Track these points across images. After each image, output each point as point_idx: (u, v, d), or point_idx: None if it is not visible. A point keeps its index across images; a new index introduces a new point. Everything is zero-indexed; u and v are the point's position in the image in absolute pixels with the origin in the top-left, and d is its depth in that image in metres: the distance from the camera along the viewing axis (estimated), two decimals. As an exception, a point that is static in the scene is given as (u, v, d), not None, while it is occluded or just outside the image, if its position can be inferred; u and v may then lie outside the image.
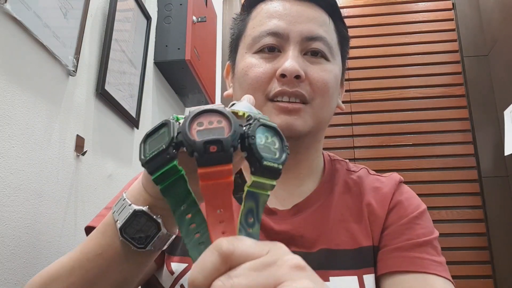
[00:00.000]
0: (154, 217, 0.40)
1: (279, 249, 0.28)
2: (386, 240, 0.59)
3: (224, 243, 0.27)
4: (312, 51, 0.60)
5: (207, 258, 0.26)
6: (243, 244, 0.27)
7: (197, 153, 0.27)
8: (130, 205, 0.40)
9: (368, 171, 0.68)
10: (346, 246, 0.58)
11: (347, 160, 0.71)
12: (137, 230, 0.40)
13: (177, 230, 0.44)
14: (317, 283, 0.26)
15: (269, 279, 0.25)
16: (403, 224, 0.59)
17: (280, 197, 0.63)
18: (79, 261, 0.43)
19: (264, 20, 0.61)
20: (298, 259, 0.27)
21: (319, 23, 0.61)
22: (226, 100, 2.64)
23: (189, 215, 0.30)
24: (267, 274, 0.25)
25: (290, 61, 0.57)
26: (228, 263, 0.26)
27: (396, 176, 0.66)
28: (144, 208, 0.40)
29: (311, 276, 0.27)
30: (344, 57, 0.67)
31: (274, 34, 0.60)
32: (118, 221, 0.40)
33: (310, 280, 0.26)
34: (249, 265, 0.26)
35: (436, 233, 0.60)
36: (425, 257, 0.56)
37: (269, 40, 0.60)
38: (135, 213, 0.40)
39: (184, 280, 0.55)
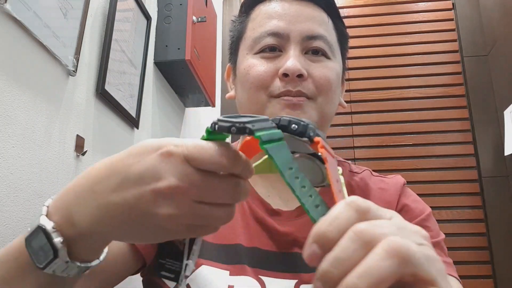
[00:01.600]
0: (54, 240, 0.34)
1: (400, 218, 0.28)
2: None
3: (360, 201, 0.26)
4: (313, 50, 0.60)
5: (343, 212, 0.25)
6: (375, 204, 0.27)
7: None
8: (41, 215, 0.35)
9: (371, 172, 0.68)
10: None
11: (349, 162, 0.71)
12: (39, 247, 0.34)
13: (99, 259, 0.39)
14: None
15: (409, 239, 0.24)
16: None
17: (285, 198, 0.63)
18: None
19: (264, 21, 0.62)
20: (424, 231, 0.27)
21: (319, 22, 0.61)
22: (228, 102, 2.65)
23: (298, 179, 0.30)
24: (407, 234, 0.25)
25: (292, 60, 0.57)
26: (363, 220, 0.25)
27: (400, 179, 0.66)
28: (47, 226, 0.34)
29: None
30: (344, 55, 0.67)
31: (275, 34, 0.60)
32: (29, 228, 0.36)
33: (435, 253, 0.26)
34: (389, 222, 0.26)
35: (443, 236, 0.61)
36: None
37: (269, 41, 0.60)
38: (39, 228, 0.34)
39: (190, 280, 0.55)
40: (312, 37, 0.60)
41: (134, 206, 0.32)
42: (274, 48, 0.60)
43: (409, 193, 0.65)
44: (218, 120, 0.32)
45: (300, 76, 0.57)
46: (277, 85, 0.58)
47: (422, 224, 0.60)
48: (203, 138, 0.34)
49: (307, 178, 0.30)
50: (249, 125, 0.31)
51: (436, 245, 0.58)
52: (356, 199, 0.26)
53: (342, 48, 0.66)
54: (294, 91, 0.57)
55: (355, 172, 0.67)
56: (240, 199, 0.34)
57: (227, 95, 0.69)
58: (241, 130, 0.31)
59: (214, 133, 0.33)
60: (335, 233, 0.24)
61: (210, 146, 0.32)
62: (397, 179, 0.66)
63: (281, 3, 0.62)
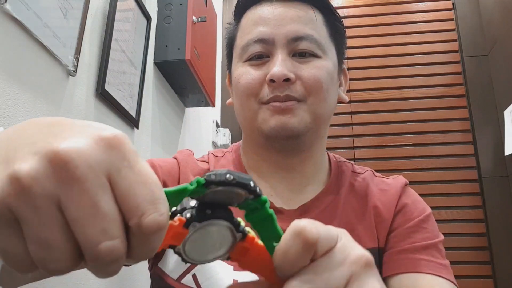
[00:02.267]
0: None
1: (346, 235, 0.29)
2: (392, 242, 0.59)
3: (308, 231, 0.25)
4: (299, 52, 0.60)
5: (292, 246, 0.25)
6: (323, 228, 0.27)
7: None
8: None
9: (373, 173, 0.69)
10: None
11: (352, 162, 0.71)
12: None
13: None
14: (381, 282, 0.27)
15: (344, 277, 0.26)
16: (409, 227, 0.59)
17: (286, 197, 0.63)
18: None
19: (250, 28, 0.62)
20: (367, 256, 0.28)
21: (304, 22, 0.61)
22: (228, 107, 2.66)
23: None
24: (342, 272, 0.26)
25: (278, 65, 0.57)
26: (312, 252, 0.26)
27: (401, 179, 0.66)
28: None
29: (376, 274, 0.28)
30: (340, 48, 0.66)
31: (260, 40, 0.60)
32: None
33: (377, 280, 0.27)
34: (326, 263, 0.26)
35: (441, 237, 0.61)
36: (430, 259, 0.56)
37: (256, 48, 0.60)
38: None
39: (196, 270, 0.55)
40: (298, 38, 0.59)
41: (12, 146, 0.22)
42: (261, 56, 0.61)
43: (410, 193, 0.65)
44: (231, 172, 0.25)
45: (287, 80, 0.57)
46: (266, 92, 0.59)
47: (419, 225, 0.60)
48: (174, 189, 0.24)
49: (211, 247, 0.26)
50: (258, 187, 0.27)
51: (431, 246, 0.58)
52: (304, 229, 0.25)
53: (337, 41, 0.65)
54: (282, 95, 0.57)
55: (358, 173, 0.68)
56: (105, 265, 0.21)
57: (227, 101, 0.71)
58: (254, 189, 0.26)
59: (200, 188, 0.25)
60: (289, 270, 0.26)
61: (155, 186, 0.22)
62: (398, 180, 0.66)
63: (266, 8, 0.62)
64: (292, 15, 0.61)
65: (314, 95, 0.59)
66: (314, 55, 0.60)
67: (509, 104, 1.81)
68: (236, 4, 0.67)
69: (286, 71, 0.57)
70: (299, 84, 0.58)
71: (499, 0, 1.92)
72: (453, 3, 2.20)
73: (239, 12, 0.66)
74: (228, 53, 0.69)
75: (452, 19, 2.18)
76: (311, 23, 0.61)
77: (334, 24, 0.65)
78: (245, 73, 0.61)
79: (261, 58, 0.61)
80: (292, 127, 0.57)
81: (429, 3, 2.22)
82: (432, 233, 0.60)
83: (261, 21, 0.61)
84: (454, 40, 2.15)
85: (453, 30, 2.16)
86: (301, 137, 0.60)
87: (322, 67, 0.60)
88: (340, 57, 0.66)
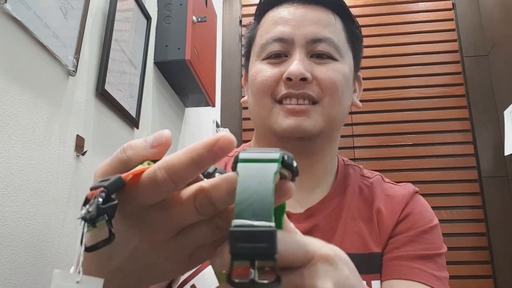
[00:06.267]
0: None
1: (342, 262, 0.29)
2: (389, 249, 0.59)
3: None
4: (317, 54, 0.61)
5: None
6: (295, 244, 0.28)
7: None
8: None
9: (382, 178, 0.68)
10: (357, 251, 0.58)
11: (361, 166, 0.71)
12: None
13: None
14: None
15: None
16: (408, 236, 0.59)
17: (293, 199, 0.63)
18: None
19: (270, 27, 0.63)
20: None
21: (324, 25, 0.62)
22: (227, 102, 2.60)
23: None
24: None
25: (295, 64, 0.58)
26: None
27: (410, 187, 0.66)
28: None
29: None
30: (357, 54, 0.67)
31: (279, 40, 0.61)
32: None
33: None
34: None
35: (443, 250, 0.60)
36: (423, 269, 0.56)
37: (275, 47, 0.61)
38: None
39: (196, 281, 0.55)
40: (317, 40, 0.60)
41: None
42: (279, 54, 0.61)
43: (418, 203, 0.64)
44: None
45: (304, 79, 0.58)
46: (282, 90, 0.59)
47: (420, 235, 0.59)
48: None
49: None
50: None
51: (427, 257, 0.57)
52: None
53: (354, 47, 0.66)
54: (297, 93, 0.58)
55: (367, 177, 0.67)
56: None
57: (242, 99, 0.71)
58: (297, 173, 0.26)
59: None
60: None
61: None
62: (407, 188, 0.65)
63: (288, 9, 0.63)
64: (312, 17, 0.62)
65: (329, 97, 0.59)
66: (331, 58, 0.61)
67: (509, 104, 1.81)
68: (258, 5, 0.68)
69: (303, 70, 0.57)
70: (315, 84, 0.59)
71: (499, 0, 1.92)
72: (453, 3, 2.20)
73: (260, 13, 0.67)
74: (246, 52, 0.70)
75: (452, 19, 2.18)
76: (330, 27, 0.62)
77: (353, 30, 0.66)
78: (262, 71, 0.61)
79: (279, 57, 0.61)
80: (306, 129, 0.58)
81: (429, 3, 2.22)
82: (432, 245, 0.59)
83: (281, 21, 0.62)
84: (454, 40, 2.15)
85: (453, 30, 2.16)
86: (313, 140, 0.60)
87: (338, 70, 0.61)
88: (357, 63, 0.67)
